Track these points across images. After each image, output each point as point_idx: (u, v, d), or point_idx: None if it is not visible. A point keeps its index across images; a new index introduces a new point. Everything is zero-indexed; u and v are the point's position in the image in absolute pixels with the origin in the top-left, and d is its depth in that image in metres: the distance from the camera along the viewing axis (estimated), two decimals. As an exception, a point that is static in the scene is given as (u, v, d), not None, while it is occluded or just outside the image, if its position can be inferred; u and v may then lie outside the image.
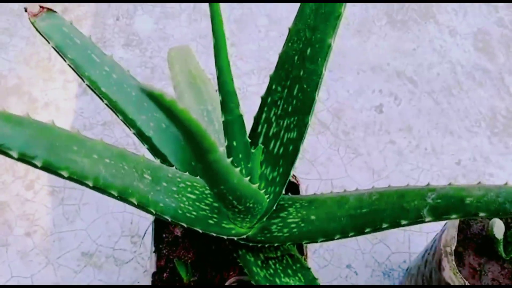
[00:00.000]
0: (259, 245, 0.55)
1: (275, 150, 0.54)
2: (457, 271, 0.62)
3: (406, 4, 1.20)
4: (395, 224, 0.45)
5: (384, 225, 0.45)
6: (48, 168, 0.40)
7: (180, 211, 0.50)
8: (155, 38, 1.14)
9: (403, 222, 0.44)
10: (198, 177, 0.55)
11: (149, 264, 0.65)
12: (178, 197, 0.51)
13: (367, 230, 0.47)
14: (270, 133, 0.54)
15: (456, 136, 1.03)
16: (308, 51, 0.49)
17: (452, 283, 0.63)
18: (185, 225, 0.50)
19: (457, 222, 0.65)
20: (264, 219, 0.56)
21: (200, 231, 0.51)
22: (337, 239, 0.50)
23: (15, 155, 0.38)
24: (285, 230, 0.54)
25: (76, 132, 0.44)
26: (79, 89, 1.08)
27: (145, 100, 0.56)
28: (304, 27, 0.49)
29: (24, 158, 0.38)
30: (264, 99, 0.54)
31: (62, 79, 1.09)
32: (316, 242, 0.52)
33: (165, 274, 0.62)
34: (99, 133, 1.03)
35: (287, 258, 0.57)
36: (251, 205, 0.46)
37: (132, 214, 0.95)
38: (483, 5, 1.20)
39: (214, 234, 0.53)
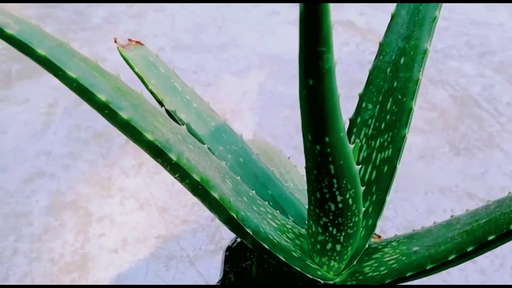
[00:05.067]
0: (350, 291, 0.46)
1: (366, 176, 0.48)
2: None
3: (468, 134, 1.19)
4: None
5: (514, 225, 0.37)
6: (132, 125, 0.36)
7: (262, 230, 0.44)
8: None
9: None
10: (279, 212, 0.49)
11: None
12: (259, 217, 0.45)
13: (490, 238, 0.39)
14: (360, 158, 0.49)
15: (547, 257, 0.92)
16: (402, 60, 0.47)
17: None
18: (267, 248, 0.43)
19: None
20: (355, 262, 0.48)
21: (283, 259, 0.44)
22: (453, 261, 0.41)
23: (103, 97, 0.35)
24: (382, 268, 0.45)
25: (161, 109, 0.41)
26: (135, 205, 1.05)
27: (223, 132, 0.54)
28: (396, 37, 0.48)
29: (109, 106, 0.35)
30: (352, 120, 0.50)
31: (120, 196, 1.07)
32: (425, 273, 0.43)
33: None
34: (153, 245, 0.98)
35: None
36: (350, 200, 0.39)
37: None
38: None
39: (298, 269, 0.45)
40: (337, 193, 0.38)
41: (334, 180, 0.37)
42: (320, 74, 0.30)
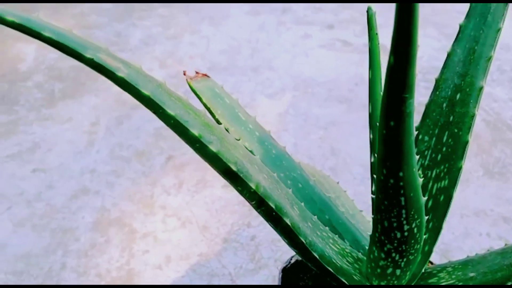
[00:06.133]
0: (408, 313, 0.49)
1: (422, 204, 0.51)
2: None
3: (501, 158, 1.20)
4: None
5: None
6: (219, 157, 0.40)
7: (327, 254, 0.47)
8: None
9: None
10: (337, 236, 0.52)
11: None
12: (323, 242, 0.48)
13: (549, 266, 0.41)
14: (416, 187, 0.52)
15: None
16: (458, 96, 0.50)
17: None
18: (331, 271, 0.46)
19: None
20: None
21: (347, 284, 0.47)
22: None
23: (196, 132, 0.38)
24: (439, 293, 0.48)
25: (240, 142, 0.44)
26: (177, 223, 1.09)
27: (283, 159, 0.57)
28: (452, 75, 0.51)
29: (201, 140, 0.39)
30: (409, 151, 0.53)
31: (162, 213, 1.11)
32: (482, 298, 0.45)
33: None
34: (195, 263, 1.01)
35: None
36: (415, 229, 0.42)
37: None
38: None
39: (359, 291, 0.48)
40: (404, 222, 0.41)
41: (403, 211, 0.40)
42: (402, 117, 0.33)
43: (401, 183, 0.38)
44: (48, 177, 1.21)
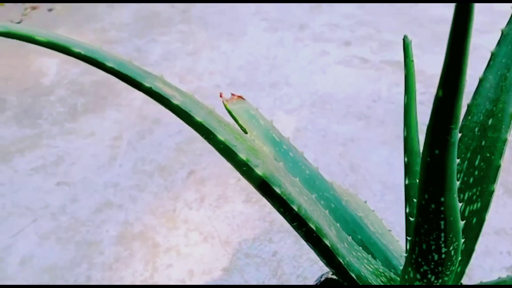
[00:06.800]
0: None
1: (455, 226, 0.52)
2: None
3: (521, 177, 1.21)
4: None
5: None
6: (265, 180, 0.41)
7: (363, 274, 0.48)
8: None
9: None
10: (370, 256, 0.54)
11: None
12: (358, 262, 0.50)
13: None
14: (448, 209, 0.53)
15: None
16: (490, 121, 0.51)
17: None
18: (368, 291, 0.48)
19: None
20: (443, 306, 0.52)
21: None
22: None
23: (243, 156, 0.40)
24: (472, 314, 0.49)
25: (280, 164, 0.46)
26: (199, 237, 1.11)
27: (316, 179, 0.59)
28: (483, 100, 0.52)
29: (248, 164, 0.40)
30: (441, 174, 0.54)
31: (185, 228, 1.13)
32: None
33: None
34: (218, 278, 1.02)
35: None
36: (452, 252, 0.44)
37: None
38: None
39: (394, 311, 0.49)
40: (442, 245, 0.43)
41: (442, 234, 0.42)
42: (446, 146, 0.34)
43: (442, 208, 0.39)
44: (72, 191, 1.23)
